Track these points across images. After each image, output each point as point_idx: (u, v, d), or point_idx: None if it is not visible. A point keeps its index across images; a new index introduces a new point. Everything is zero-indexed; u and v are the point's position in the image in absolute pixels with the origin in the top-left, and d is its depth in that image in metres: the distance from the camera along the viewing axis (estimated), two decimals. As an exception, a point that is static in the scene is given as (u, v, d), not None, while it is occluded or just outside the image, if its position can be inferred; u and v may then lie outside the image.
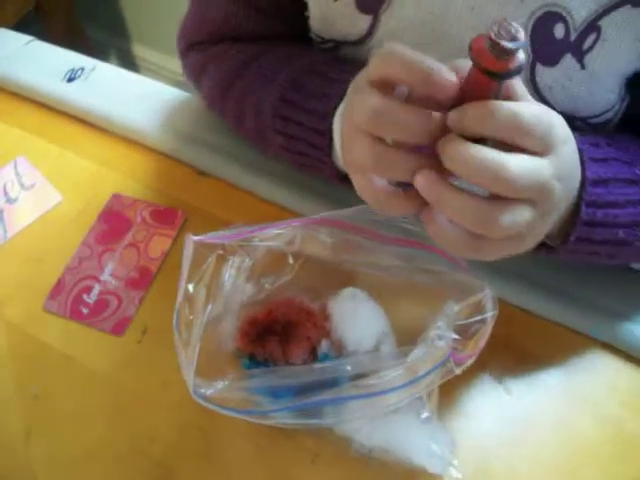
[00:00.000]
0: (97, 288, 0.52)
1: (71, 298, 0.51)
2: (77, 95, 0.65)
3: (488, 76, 0.33)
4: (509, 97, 0.35)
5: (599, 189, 0.42)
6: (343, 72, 0.47)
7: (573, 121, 0.48)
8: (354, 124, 0.36)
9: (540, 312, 0.49)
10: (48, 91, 0.66)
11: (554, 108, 0.38)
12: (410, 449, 0.41)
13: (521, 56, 0.32)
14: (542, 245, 0.44)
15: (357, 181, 0.37)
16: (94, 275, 0.53)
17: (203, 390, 0.37)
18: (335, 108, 0.46)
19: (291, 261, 0.45)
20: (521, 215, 0.34)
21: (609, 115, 0.50)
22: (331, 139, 0.47)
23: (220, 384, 0.37)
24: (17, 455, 0.45)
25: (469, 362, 0.37)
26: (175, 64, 1.60)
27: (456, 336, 0.35)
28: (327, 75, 0.49)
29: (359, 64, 0.41)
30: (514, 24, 0.32)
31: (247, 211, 0.56)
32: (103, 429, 0.46)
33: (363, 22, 0.50)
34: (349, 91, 0.41)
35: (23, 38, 0.73)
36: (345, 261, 0.44)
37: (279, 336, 0.46)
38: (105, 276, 0.53)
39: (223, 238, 0.42)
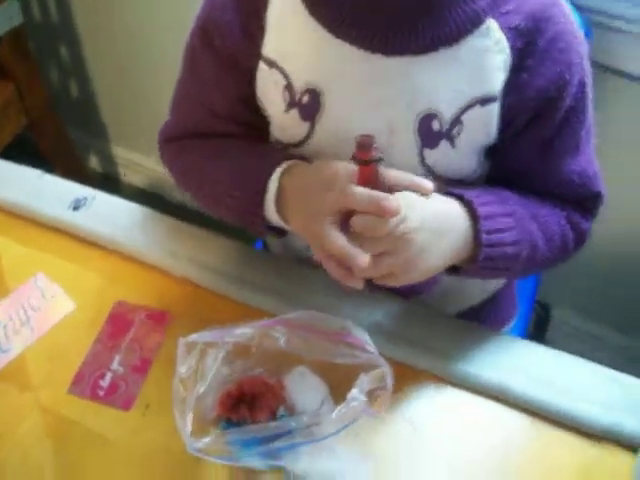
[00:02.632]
0: (109, 375, 0.68)
1: (90, 383, 0.68)
2: (82, 221, 0.81)
3: (360, 164, 0.58)
4: (390, 181, 0.61)
5: (489, 221, 0.64)
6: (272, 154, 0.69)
7: (453, 183, 0.69)
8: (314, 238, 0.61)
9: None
10: (58, 219, 0.81)
11: (439, 176, 0.67)
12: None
13: (374, 152, 0.57)
14: (456, 270, 0.67)
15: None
16: (106, 365, 0.69)
17: (195, 445, 0.53)
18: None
19: (254, 350, 0.62)
20: (381, 262, 0.58)
21: (476, 175, 0.71)
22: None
23: (207, 440, 0.54)
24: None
25: (375, 415, 0.54)
26: (150, 162, 1.79)
27: (364, 398, 0.53)
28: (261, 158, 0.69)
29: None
30: (370, 134, 0.57)
31: (224, 313, 0.72)
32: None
33: (303, 129, 0.68)
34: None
35: (33, 172, 0.90)
36: (293, 349, 0.61)
37: (248, 404, 0.62)
38: (114, 366, 0.69)
39: (204, 337, 0.59)
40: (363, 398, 0.53)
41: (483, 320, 0.82)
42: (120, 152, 1.93)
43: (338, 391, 0.60)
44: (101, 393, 0.67)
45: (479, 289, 0.87)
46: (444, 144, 0.67)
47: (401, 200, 0.59)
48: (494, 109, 0.66)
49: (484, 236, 0.64)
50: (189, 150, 0.76)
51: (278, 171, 0.66)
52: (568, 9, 0.68)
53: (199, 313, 0.73)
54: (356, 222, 0.59)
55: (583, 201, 0.74)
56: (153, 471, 0.62)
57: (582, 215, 0.74)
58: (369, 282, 0.61)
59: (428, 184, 0.63)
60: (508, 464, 0.63)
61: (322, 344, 0.60)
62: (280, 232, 0.70)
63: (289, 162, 0.67)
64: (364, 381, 0.54)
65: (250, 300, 0.73)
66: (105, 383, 0.68)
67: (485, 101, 0.65)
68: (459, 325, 0.73)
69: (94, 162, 1.98)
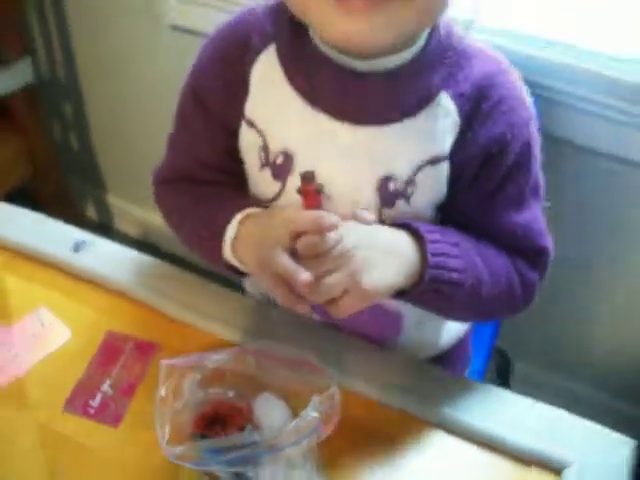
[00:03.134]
0: (99, 396, 0.77)
1: (82, 403, 0.77)
2: (81, 262, 0.91)
3: (304, 194, 0.69)
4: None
5: (435, 245, 0.71)
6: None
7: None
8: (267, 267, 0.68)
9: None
10: (59, 259, 0.91)
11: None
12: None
13: (315, 184, 0.68)
14: (403, 294, 0.72)
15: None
16: (97, 387, 0.78)
17: (172, 451, 0.63)
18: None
19: (227, 375, 0.72)
20: (325, 281, 0.65)
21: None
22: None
23: (182, 448, 0.63)
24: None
25: (328, 431, 0.64)
26: (144, 212, 1.90)
27: (317, 415, 0.62)
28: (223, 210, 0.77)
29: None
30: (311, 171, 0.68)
31: (202, 344, 0.82)
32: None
33: (275, 187, 0.76)
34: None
35: (37, 217, 1.00)
36: (261, 375, 0.71)
37: (220, 423, 0.72)
38: (105, 387, 0.78)
39: (183, 362, 0.69)
40: (315, 415, 0.63)
41: (445, 366, 0.89)
42: (116, 201, 2.04)
43: (298, 412, 0.69)
44: (92, 411, 0.76)
45: (442, 339, 0.93)
46: (400, 203, 0.74)
47: (342, 224, 0.67)
48: (444, 168, 0.74)
49: (430, 257, 0.70)
50: (177, 192, 0.85)
51: (238, 217, 0.75)
52: (515, 76, 0.76)
53: (181, 344, 0.82)
54: (299, 243, 0.66)
55: (528, 253, 0.79)
56: (138, 477, 0.71)
57: (529, 266, 0.79)
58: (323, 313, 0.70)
59: (369, 216, 0.71)
60: None
61: (285, 371, 0.70)
62: (241, 273, 0.79)
63: (250, 210, 0.75)
64: (316, 401, 0.64)
65: (225, 335, 0.83)
66: (95, 403, 0.77)
67: (435, 161, 0.73)
68: (423, 367, 0.82)
69: (90, 210, 2.09)
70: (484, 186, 0.76)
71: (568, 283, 1.31)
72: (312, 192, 0.69)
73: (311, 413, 0.63)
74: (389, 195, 0.74)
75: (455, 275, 0.71)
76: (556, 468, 0.72)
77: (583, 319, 1.42)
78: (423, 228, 0.72)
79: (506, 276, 0.77)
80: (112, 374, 0.80)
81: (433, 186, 0.75)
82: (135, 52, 1.66)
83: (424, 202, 0.76)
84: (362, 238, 0.69)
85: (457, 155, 0.74)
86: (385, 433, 0.75)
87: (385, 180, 0.74)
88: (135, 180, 1.63)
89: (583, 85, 1.08)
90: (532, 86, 0.79)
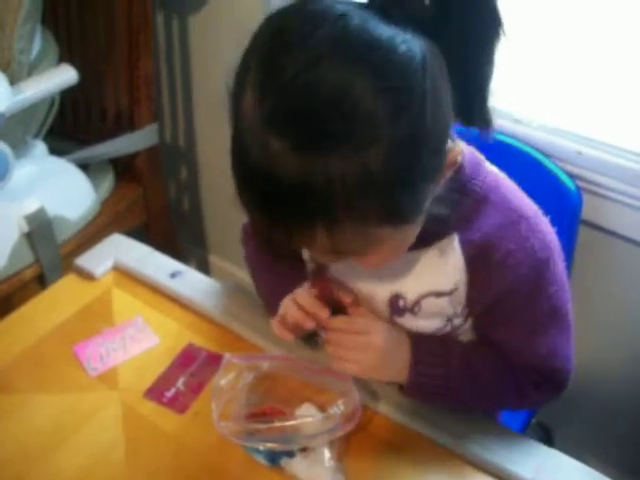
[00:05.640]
0: (173, 389, 0.95)
1: (159, 392, 0.95)
2: (176, 287, 1.10)
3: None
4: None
5: (422, 344, 0.83)
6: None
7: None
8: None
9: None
10: (159, 282, 1.12)
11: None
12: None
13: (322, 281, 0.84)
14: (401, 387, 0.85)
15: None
16: (173, 383, 0.96)
17: (223, 427, 0.79)
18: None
19: (277, 378, 0.88)
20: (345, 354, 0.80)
21: (445, 330, 0.86)
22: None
23: (231, 424, 0.79)
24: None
25: (348, 428, 0.79)
26: (239, 271, 2.10)
27: (340, 412, 0.77)
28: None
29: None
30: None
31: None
32: (170, 459, 0.87)
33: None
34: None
35: (145, 249, 1.21)
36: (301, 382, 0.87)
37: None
38: (179, 384, 0.96)
39: (243, 360, 0.86)
40: (339, 412, 0.78)
41: None
42: (216, 261, 2.25)
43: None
44: (165, 400, 0.94)
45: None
46: (408, 316, 0.84)
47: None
48: (445, 300, 0.80)
49: (415, 354, 0.82)
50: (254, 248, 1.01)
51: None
52: (528, 225, 0.76)
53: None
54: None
55: (541, 373, 0.84)
56: (193, 456, 0.87)
57: (536, 384, 0.85)
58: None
59: (348, 295, 0.82)
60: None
61: (315, 377, 0.87)
62: None
63: None
64: (340, 403, 0.79)
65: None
66: (169, 394, 0.94)
67: (438, 295, 0.80)
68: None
69: (192, 265, 2.32)
70: (493, 319, 0.83)
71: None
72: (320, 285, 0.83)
73: (335, 410, 0.78)
74: (398, 309, 0.84)
75: (434, 388, 0.84)
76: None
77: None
78: (418, 350, 0.83)
79: (500, 384, 0.85)
80: (186, 375, 0.97)
81: (437, 312, 0.83)
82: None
83: (430, 318, 0.84)
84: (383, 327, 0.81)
85: (467, 292, 0.80)
86: (407, 454, 0.86)
87: (395, 297, 0.83)
88: (237, 243, 1.82)
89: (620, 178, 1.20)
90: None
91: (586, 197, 1.15)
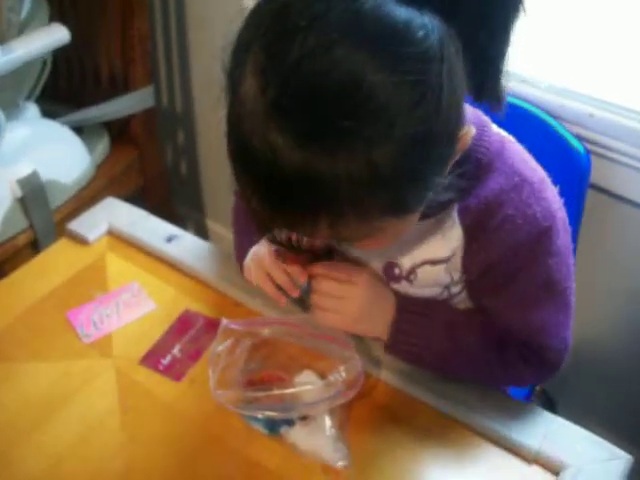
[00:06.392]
0: (169, 357, 0.92)
1: (155, 360, 0.92)
2: (172, 252, 1.07)
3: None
4: None
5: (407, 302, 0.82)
6: None
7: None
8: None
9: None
10: (155, 247, 1.08)
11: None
12: (321, 449, 0.79)
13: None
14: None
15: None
16: (169, 350, 0.93)
17: (219, 395, 0.76)
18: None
19: (277, 344, 0.86)
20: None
21: (442, 297, 0.84)
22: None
23: (227, 392, 0.77)
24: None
25: (350, 396, 0.76)
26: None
27: (341, 379, 0.75)
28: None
29: None
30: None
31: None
32: (167, 427, 0.85)
33: None
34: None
35: (140, 212, 1.18)
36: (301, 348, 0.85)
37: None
38: (175, 351, 0.93)
39: (240, 326, 0.83)
40: (340, 378, 0.75)
41: None
42: (213, 226, 2.22)
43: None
44: (161, 367, 0.91)
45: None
46: (404, 283, 0.83)
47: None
48: (441, 268, 0.79)
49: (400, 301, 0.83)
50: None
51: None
52: (537, 188, 0.73)
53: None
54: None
55: (531, 348, 0.82)
56: (190, 424, 0.85)
57: (525, 359, 0.83)
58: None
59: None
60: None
61: (317, 343, 0.85)
62: None
63: None
64: (341, 369, 0.76)
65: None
66: (165, 361, 0.92)
67: (434, 262, 0.79)
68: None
69: (189, 230, 2.29)
70: (487, 286, 0.80)
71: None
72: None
73: (336, 377, 0.75)
74: (394, 277, 0.83)
75: (414, 349, 0.83)
76: (554, 469, 0.80)
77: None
78: (404, 308, 0.82)
79: (484, 358, 0.84)
80: (182, 342, 0.95)
81: (432, 279, 0.82)
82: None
83: (426, 285, 0.83)
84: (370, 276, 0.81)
85: (463, 259, 0.78)
86: (411, 424, 0.84)
87: (390, 265, 0.82)
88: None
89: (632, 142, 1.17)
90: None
91: (595, 160, 1.12)
